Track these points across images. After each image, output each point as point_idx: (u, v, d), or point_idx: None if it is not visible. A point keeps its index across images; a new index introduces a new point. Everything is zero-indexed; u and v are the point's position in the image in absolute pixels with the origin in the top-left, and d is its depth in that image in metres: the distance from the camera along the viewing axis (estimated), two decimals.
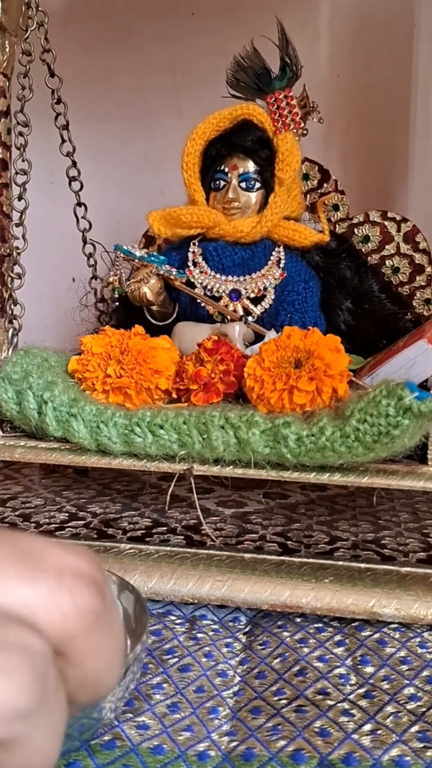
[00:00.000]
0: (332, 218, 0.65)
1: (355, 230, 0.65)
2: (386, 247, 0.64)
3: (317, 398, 0.44)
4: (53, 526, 0.53)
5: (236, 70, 0.56)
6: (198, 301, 0.57)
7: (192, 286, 0.57)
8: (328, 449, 0.41)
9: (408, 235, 0.64)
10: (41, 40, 0.60)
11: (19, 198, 0.57)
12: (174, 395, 0.48)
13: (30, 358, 0.49)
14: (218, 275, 0.57)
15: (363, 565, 0.45)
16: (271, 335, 0.51)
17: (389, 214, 0.64)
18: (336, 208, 0.65)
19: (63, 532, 0.52)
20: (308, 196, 0.66)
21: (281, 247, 0.58)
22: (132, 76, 0.89)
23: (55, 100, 0.63)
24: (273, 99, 0.56)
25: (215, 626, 0.43)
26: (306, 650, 0.40)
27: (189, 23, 0.86)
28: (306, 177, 0.66)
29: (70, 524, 0.53)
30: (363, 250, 0.64)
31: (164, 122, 0.87)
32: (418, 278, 0.64)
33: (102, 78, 0.87)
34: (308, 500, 0.59)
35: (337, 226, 0.65)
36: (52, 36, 0.60)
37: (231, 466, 0.44)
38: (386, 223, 0.64)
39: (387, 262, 0.64)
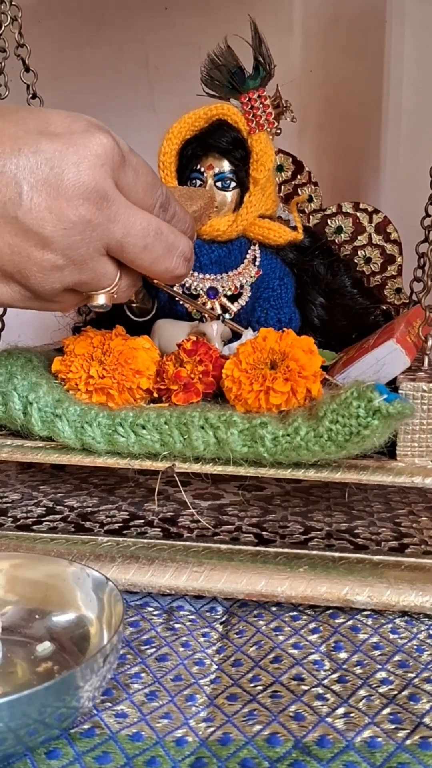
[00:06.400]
0: (306, 209, 0.66)
1: (328, 221, 0.66)
2: (358, 237, 0.65)
3: (292, 398, 0.45)
4: (30, 520, 0.53)
5: (210, 68, 0.57)
6: (176, 298, 0.57)
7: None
8: (303, 448, 0.42)
9: (380, 225, 0.65)
10: (15, 35, 0.59)
11: None
12: (155, 395, 0.49)
13: (13, 359, 0.50)
14: (196, 273, 0.58)
15: (337, 554, 0.47)
16: (248, 334, 0.52)
17: (361, 206, 0.65)
18: (310, 199, 0.66)
19: (40, 526, 0.52)
20: (282, 187, 0.67)
21: (257, 245, 0.59)
22: (105, 69, 0.89)
23: (30, 95, 0.63)
24: (247, 99, 0.56)
25: (192, 616, 0.44)
26: (281, 638, 0.41)
27: (162, 17, 0.87)
28: (280, 168, 0.67)
29: (47, 518, 0.54)
30: (336, 240, 0.65)
31: (137, 116, 0.87)
32: (389, 268, 0.65)
33: (75, 72, 0.87)
34: (283, 492, 0.60)
35: (310, 217, 0.66)
36: (23, 30, 0.60)
37: (211, 464, 0.45)
38: (358, 214, 0.65)
39: (359, 252, 0.65)
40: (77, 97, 0.88)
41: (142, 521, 0.53)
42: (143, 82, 0.89)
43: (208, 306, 0.57)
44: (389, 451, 0.44)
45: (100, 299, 0.41)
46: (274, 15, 0.85)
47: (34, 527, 0.52)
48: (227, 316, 0.57)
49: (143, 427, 0.45)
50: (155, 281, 0.55)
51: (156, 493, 0.50)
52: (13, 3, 0.59)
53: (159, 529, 0.51)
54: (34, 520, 0.54)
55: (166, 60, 0.88)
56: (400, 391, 0.44)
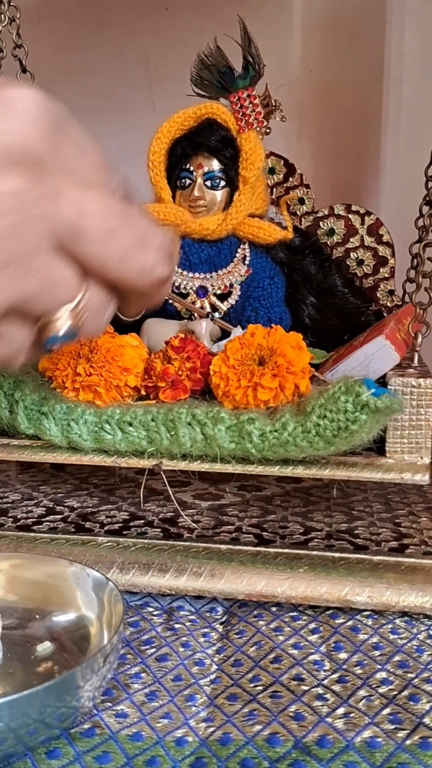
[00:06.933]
0: (298, 212, 0.66)
1: (320, 223, 0.66)
2: (351, 239, 0.65)
3: (280, 394, 0.45)
4: (30, 520, 0.53)
5: (200, 68, 0.57)
6: (165, 297, 0.57)
7: None
8: (291, 444, 0.42)
9: (372, 227, 0.65)
10: (13, 36, 0.59)
11: None
12: (143, 392, 0.49)
13: None
14: (185, 272, 0.58)
15: (337, 555, 0.47)
16: (236, 332, 0.52)
17: (353, 208, 0.65)
18: (302, 201, 0.66)
19: (41, 526, 0.52)
20: (274, 189, 0.67)
21: (246, 244, 0.59)
22: (105, 70, 0.89)
23: None
24: (236, 98, 0.56)
25: (192, 617, 0.44)
26: (281, 638, 0.41)
27: (162, 18, 0.87)
28: (272, 171, 0.66)
29: (47, 519, 0.54)
30: (328, 242, 0.65)
31: (138, 117, 0.87)
32: (381, 270, 0.65)
33: (75, 72, 0.87)
34: (283, 492, 0.60)
35: (302, 219, 0.66)
36: (24, 31, 0.60)
37: (198, 461, 0.45)
38: (350, 216, 0.65)
39: (351, 254, 0.65)
40: (77, 98, 0.87)
41: (143, 521, 0.53)
42: (143, 82, 0.89)
43: (198, 305, 0.58)
44: (378, 447, 0.44)
45: (62, 324, 0.27)
46: (274, 16, 0.85)
47: (35, 527, 0.52)
48: (217, 314, 0.57)
49: (130, 424, 0.45)
50: None
51: (141, 489, 0.50)
52: (12, 3, 0.59)
53: (159, 530, 0.51)
54: (35, 520, 0.54)
55: (166, 60, 0.88)
56: (389, 387, 0.44)
